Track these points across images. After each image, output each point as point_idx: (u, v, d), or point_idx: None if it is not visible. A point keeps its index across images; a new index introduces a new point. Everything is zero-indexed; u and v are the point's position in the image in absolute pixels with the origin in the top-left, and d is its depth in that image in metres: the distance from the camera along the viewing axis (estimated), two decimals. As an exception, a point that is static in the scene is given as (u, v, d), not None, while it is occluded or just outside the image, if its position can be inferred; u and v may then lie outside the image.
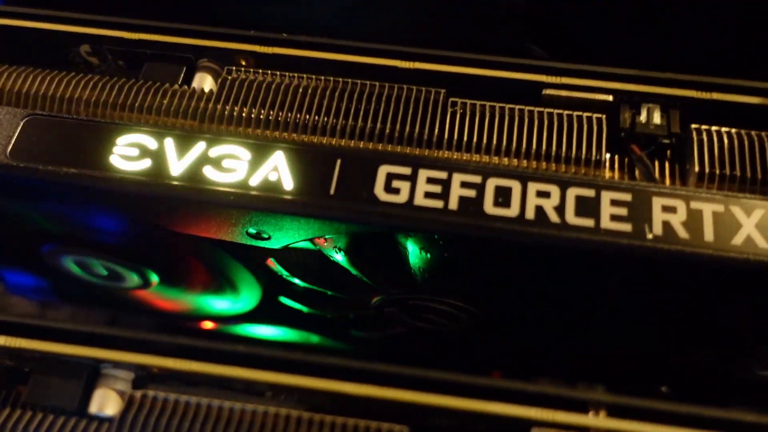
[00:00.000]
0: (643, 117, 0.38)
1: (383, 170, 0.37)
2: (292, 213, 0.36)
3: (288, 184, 0.37)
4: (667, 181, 0.37)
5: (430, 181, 0.36)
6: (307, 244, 0.41)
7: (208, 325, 0.59)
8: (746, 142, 0.37)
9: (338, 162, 0.37)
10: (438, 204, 0.36)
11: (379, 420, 0.32)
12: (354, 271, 0.43)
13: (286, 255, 0.43)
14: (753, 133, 0.37)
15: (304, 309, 0.49)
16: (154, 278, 0.50)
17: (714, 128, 0.38)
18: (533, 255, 0.36)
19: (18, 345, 0.35)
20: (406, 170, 0.37)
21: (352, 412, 0.32)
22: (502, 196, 0.36)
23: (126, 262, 0.47)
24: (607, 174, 0.37)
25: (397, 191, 0.36)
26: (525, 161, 0.37)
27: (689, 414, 0.31)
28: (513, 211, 0.36)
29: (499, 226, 0.35)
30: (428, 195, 0.36)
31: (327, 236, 0.40)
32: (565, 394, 0.31)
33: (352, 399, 0.32)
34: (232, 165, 0.37)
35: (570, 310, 0.41)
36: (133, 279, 0.49)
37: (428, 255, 0.41)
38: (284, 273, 0.45)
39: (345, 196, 0.36)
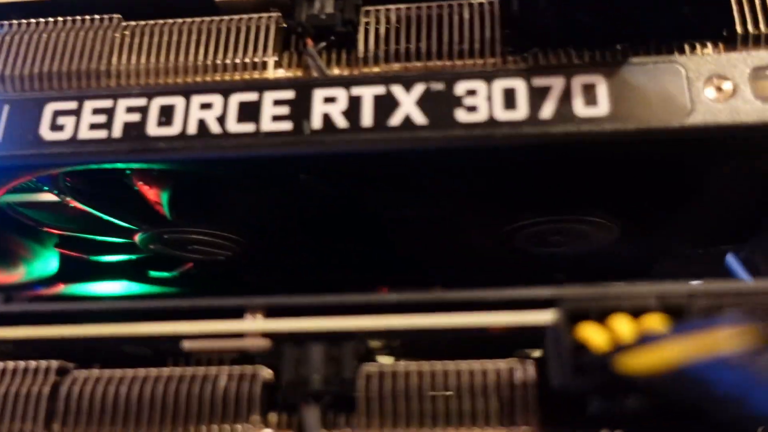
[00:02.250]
0: (316, 8, 0.37)
1: (49, 109, 0.36)
2: (-40, 167, 0.36)
3: (-41, 139, 0.36)
4: (345, 71, 0.36)
5: (96, 111, 0.35)
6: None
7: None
8: (414, 16, 0.35)
9: (5, 109, 0.36)
10: (102, 134, 0.35)
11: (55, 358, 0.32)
12: (97, 213, 0.43)
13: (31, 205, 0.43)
14: (424, 5, 0.36)
15: (88, 256, 0.49)
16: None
17: (384, 7, 0.36)
18: (207, 169, 0.35)
19: None
20: (72, 105, 0.36)
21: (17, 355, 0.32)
22: (166, 115, 0.35)
23: None
24: (283, 75, 0.36)
25: (61, 128, 0.35)
26: (196, 76, 0.36)
27: (344, 303, 0.31)
28: (175, 128, 0.34)
29: (161, 146, 0.34)
30: (93, 126, 0.35)
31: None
32: (218, 304, 0.31)
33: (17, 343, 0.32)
34: None
35: (295, 217, 0.41)
36: None
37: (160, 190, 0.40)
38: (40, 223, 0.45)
39: (10, 141, 0.35)
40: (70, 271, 0.53)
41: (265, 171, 0.35)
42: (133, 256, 0.50)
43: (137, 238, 0.45)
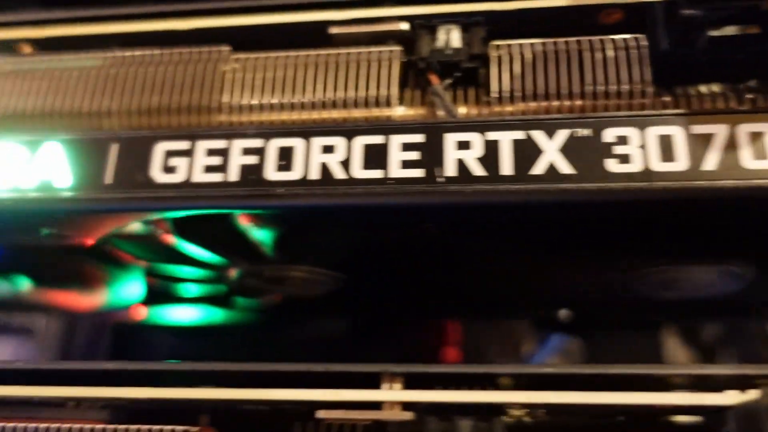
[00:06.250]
0: (440, 42, 0.34)
1: (160, 149, 0.33)
2: (69, 210, 0.34)
3: (65, 180, 0.34)
4: (475, 111, 0.33)
5: (211, 153, 0.33)
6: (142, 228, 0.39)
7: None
8: (553, 53, 0.33)
9: (113, 148, 0.34)
10: (217, 178, 0.33)
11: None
12: (195, 254, 0.41)
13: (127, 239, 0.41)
14: (561, 41, 0.33)
15: (174, 285, 0.48)
16: (26, 282, 0.49)
17: (517, 42, 0.33)
18: (328, 217, 0.33)
19: None
20: (184, 145, 0.34)
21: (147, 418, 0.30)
22: (285, 159, 0.33)
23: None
24: (406, 113, 0.34)
25: (174, 170, 0.33)
26: (313, 113, 0.34)
27: (483, 374, 0.28)
28: (296, 173, 0.32)
29: (282, 192, 0.32)
30: (208, 169, 0.33)
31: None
32: (353, 370, 0.29)
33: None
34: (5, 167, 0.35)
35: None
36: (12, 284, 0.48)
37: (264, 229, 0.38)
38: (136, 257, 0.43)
39: (120, 184, 0.33)
40: (154, 298, 0.51)
41: (389, 218, 0.33)
42: (220, 287, 0.48)
43: (233, 273, 0.44)
